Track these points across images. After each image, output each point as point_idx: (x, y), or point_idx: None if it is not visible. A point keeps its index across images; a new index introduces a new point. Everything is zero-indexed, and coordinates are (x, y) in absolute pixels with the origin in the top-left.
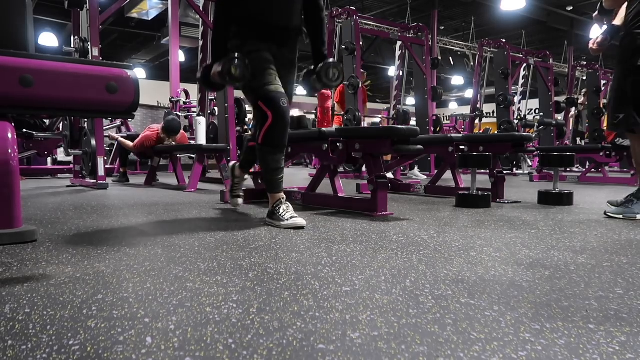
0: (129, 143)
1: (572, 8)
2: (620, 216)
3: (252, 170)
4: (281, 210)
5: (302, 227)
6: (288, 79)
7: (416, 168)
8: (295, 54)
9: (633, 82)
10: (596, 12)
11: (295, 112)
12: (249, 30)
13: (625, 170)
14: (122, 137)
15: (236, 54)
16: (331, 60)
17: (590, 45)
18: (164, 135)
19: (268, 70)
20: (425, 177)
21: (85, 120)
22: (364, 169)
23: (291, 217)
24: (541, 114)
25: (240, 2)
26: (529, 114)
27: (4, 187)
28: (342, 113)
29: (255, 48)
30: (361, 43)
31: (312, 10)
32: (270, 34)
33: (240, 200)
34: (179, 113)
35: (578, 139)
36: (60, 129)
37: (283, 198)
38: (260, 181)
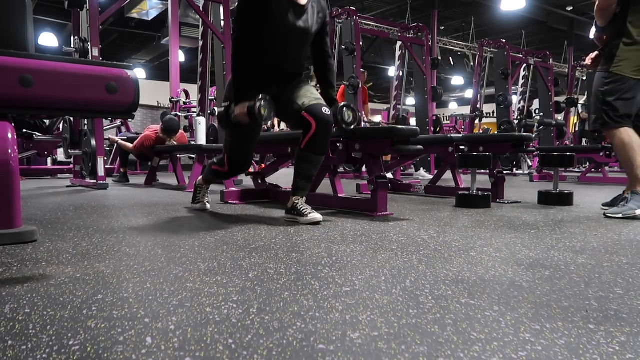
0: (129, 145)
1: (572, 8)
2: (620, 215)
3: (251, 170)
4: (301, 206)
5: (319, 223)
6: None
7: (422, 169)
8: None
9: (606, 85)
10: (594, 32)
11: None
12: (261, 74)
13: (625, 170)
14: (121, 139)
15: (261, 95)
16: (343, 103)
17: (587, 62)
18: (163, 135)
19: (250, 139)
20: (431, 177)
21: (85, 123)
22: (364, 169)
23: (310, 213)
24: (541, 114)
25: (258, 49)
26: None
27: (4, 188)
28: None
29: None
30: (361, 43)
31: (320, 57)
32: (280, 77)
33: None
34: (178, 113)
35: (584, 140)
36: (60, 129)
37: (303, 198)
38: (259, 181)
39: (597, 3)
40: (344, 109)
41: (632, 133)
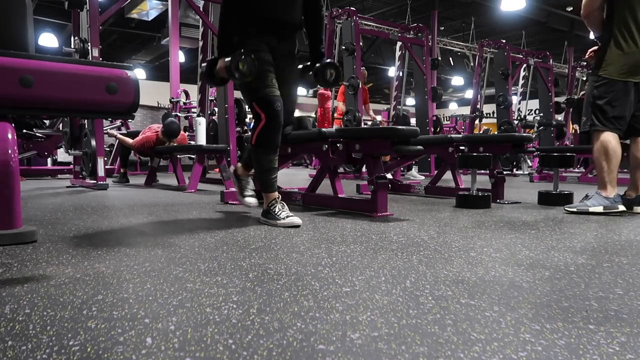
0: (130, 140)
1: (572, 8)
2: (575, 209)
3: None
4: (277, 210)
5: (298, 226)
6: (288, 71)
7: (414, 169)
8: (295, 46)
9: (596, 89)
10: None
11: (295, 113)
12: (251, 26)
13: (625, 170)
14: (121, 134)
15: (242, 50)
16: (329, 60)
17: (587, 56)
18: (164, 138)
19: (266, 72)
20: (424, 177)
21: (85, 122)
22: (364, 169)
23: (287, 216)
24: (541, 114)
25: (250, 2)
26: (529, 114)
27: (4, 188)
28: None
29: (256, 47)
30: (361, 43)
31: (311, 8)
32: (271, 28)
33: (252, 200)
34: (178, 114)
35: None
36: (60, 129)
37: (278, 197)
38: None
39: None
40: (327, 67)
41: (612, 138)
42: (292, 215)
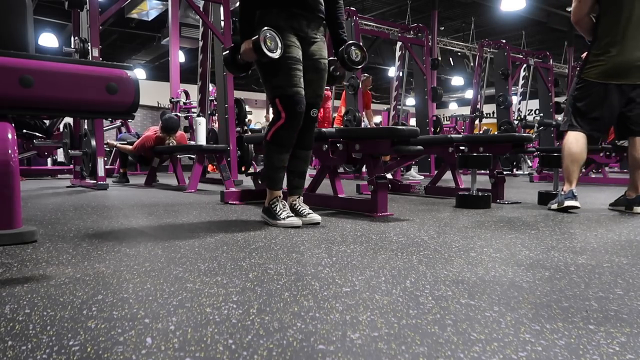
0: (128, 147)
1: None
2: (555, 206)
3: (251, 170)
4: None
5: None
6: (318, 55)
7: (413, 169)
8: (323, 33)
9: (577, 91)
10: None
11: None
12: (278, 9)
13: (625, 170)
14: (120, 143)
15: (266, 27)
16: (352, 41)
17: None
18: (163, 134)
19: (294, 69)
20: (423, 177)
21: (85, 126)
22: (364, 169)
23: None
24: (541, 114)
25: None
26: (529, 114)
27: (4, 188)
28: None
29: (285, 41)
30: (361, 43)
31: None
32: (299, 9)
33: (295, 220)
34: (178, 114)
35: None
36: (60, 130)
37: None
38: (260, 182)
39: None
40: (352, 47)
41: (574, 139)
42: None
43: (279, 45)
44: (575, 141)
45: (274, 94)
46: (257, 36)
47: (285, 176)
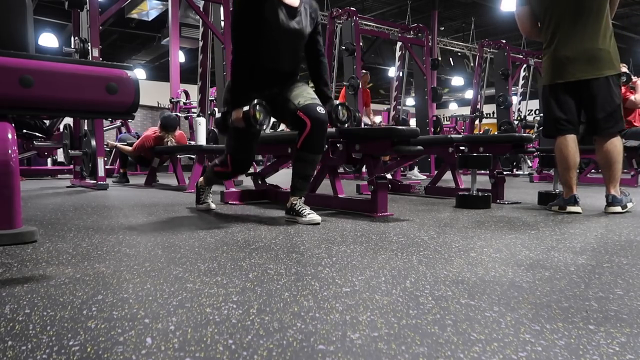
0: (128, 148)
1: None
2: (556, 208)
3: (251, 170)
4: (300, 207)
5: (318, 223)
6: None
7: (416, 168)
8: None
9: (543, 99)
10: None
11: None
12: (258, 77)
13: (625, 170)
14: (121, 144)
15: (256, 100)
16: (337, 101)
17: None
18: (162, 132)
19: (252, 141)
20: (425, 177)
21: (85, 126)
22: (364, 169)
23: (309, 214)
24: (541, 114)
25: (255, 53)
26: (529, 114)
27: (4, 188)
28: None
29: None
30: (361, 44)
31: (314, 57)
32: (277, 78)
33: (211, 205)
34: (179, 114)
35: None
36: (60, 130)
37: (301, 198)
38: (259, 182)
39: None
40: (339, 107)
41: (560, 143)
42: (312, 213)
43: (266, 117)
44: (564, 147)
45: (228, 150)
46: (247, 108)
47: (291, 177)
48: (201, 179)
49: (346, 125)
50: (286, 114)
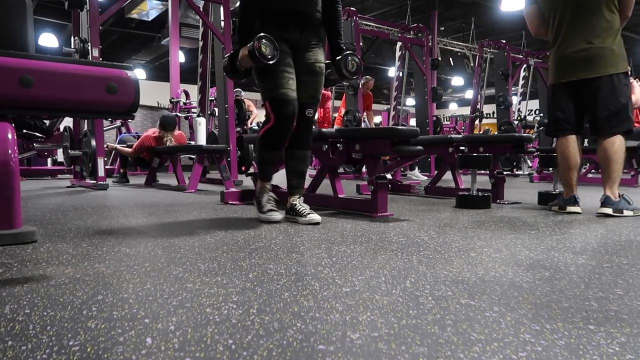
0: (128, 150)
1: None
2: (556, 208)
3: (251, 170)
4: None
5: (318, 223)
6: (313, 59)
7: (417, 169)
8: (320, 38)
9: (549, 98)
10: None
11: None
12: (271, 21)
13: (625, 170)
14: (121, 145)
15: (262, 34)
16: (349, 51)
17: None
18: (162, 132)
19: (283, 73)
20: (426, 177)
21: (85, 126)
22: (364, 169)
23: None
24: (541, 114)
25: None
26: (529, 114)
27: (4, 188)
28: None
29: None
30: (361, 44)
31: (329, 3)
32: (292, 19)
33: (276, 215)
34: (179, 114)
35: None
36: (60, 130)
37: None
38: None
39: None
40: (348, 57)
41: (561, 144)
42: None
43: (275, 51)
44: (564, 147)
45: (265, 97)
46: (252, 42)
47: (285, 177)
48: (257, 183)
49: (354, 77)
50: (298, 75)
